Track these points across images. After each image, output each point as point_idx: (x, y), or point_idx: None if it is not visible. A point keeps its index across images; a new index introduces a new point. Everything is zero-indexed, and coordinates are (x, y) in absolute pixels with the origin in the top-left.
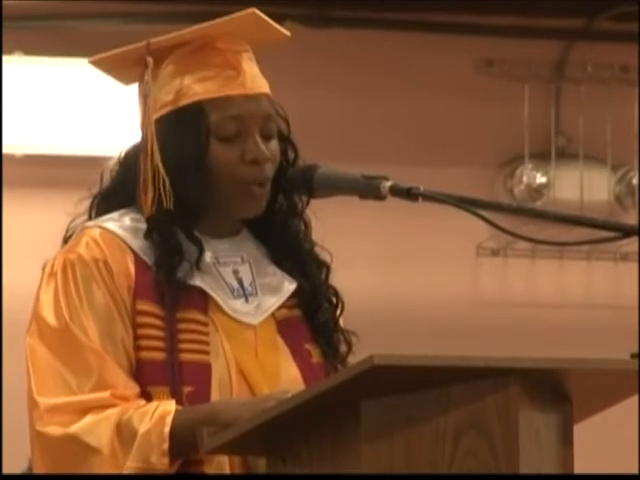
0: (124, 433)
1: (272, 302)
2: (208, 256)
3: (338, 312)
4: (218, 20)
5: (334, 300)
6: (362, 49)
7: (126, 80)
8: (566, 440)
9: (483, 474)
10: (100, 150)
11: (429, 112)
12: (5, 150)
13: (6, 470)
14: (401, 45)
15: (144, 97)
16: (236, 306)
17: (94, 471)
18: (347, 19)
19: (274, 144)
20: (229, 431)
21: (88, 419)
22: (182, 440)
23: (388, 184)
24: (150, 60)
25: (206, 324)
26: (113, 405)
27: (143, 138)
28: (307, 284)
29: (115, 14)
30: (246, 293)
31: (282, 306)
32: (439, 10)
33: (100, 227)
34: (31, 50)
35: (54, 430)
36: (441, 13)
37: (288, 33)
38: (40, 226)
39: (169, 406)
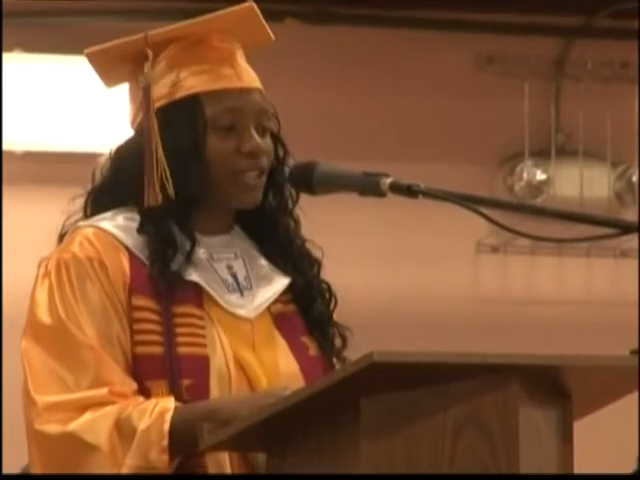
0: (123, 430)
1: (267, 296)
2: (202, 252)
3: (332, 306)
4: (215, 14)
5: (327, 295)
6: (362, 46)
7: (112, 79)
8: (566, 437)
9: (483, 474)
10: (100, 147)
11: (429, 109)
12: (5, 147)
13: (6, 470)
14: (401, 42)
15: (145, 88)
16: (231, 300)
17: (93, 469)
18: (346, 16)
19: (268, 140)
20: (229, 428)
21: (86, 417)
22: (181, 437)
23: (388, 181)
24: (150, 52)
25: (202, 318)
26: (111, 402)
27: (144, 129)
28: (300, 279)
29: (114, 11)
30: (241, 287)
31: (277, 301)
32: (439, 7)
33: (93, 226)
34: (31, 47)
35: (52, 428)
36: (441, 10)
37: (273, 37)
38: (40, 223)
39: (168, 403)
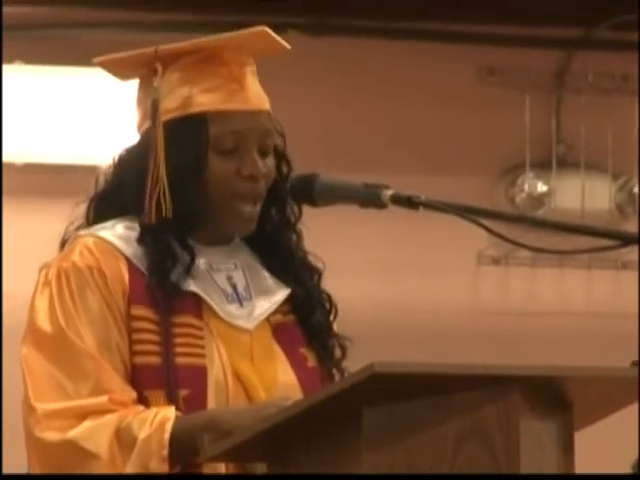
0: (123, 439)
1: (266, 307)
2: (201, 262)
3: (332, 317)
4: (228, 34)
5: (327, 305)
6: (363, 58)
7: (125, 77)
8: (567, 448)
9: (483, 474)
10: (100, 159)
11: (430, 121)
12: (5, 159)
13: (6, 470)
14: (402, 54)
15: (154, 102)
16: (231, 310)
17: None
18: (348, 28)
19: (270, 160)
20: (230, 439)
21: (86, 424)
22: (181, 447)
23: (389, 193)
24: (160, 67)
25: (201, 328)
26: (111, 410)
27: (152, 143)
28: (300, 289)
29: (115, 23)
30: (240, 298)
31: (276, 311)
32: (440, 19)
33: (93, 235)
34: (31, 59)
35: (52, 436)
36: (442, 22)
37: (289, 46)
38: (40, 234)
39: (169, 412)
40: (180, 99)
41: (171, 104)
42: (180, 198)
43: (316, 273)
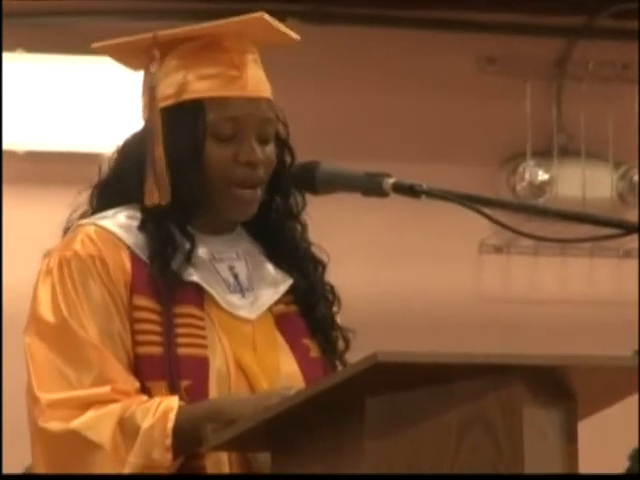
0: (127, 429)
1: (268, 297)
2: (203, 252)
3: (335, 309)
4: (226, 20)
5: (330, 297)
6: (362, 46)
7: (133, 66)
8: (570, 437)
9: (484, 474)
10: (101, 147)
11: (431, 109)
12: (6, 147)
13: (6, 470)
14: (402, 42)
15: (150, 89)
16: (232, 300)
17: (96, 467)
18: (346, 16)
19: (270, 148)
20: (233, 428)
21: (89, 414)
22: (185, 436)
23: (391, 181)
24: (157, 53)
25: (202, 319)
26: (114, 400)
27: (149, 129)
28: (303, 281)
29: (117, 11)
30: (242, 288)
31: (279, 302)
32: (441, 7)
33: (95, 224)
34: (32, 47)
35: (55, 426)
36: (443, 10)
37: (297, 37)
38: (41, 223)
39: (172, 402)
40: (177, 85)
41: (168, 90)
42: (178, 185)
43: (320, 265)
